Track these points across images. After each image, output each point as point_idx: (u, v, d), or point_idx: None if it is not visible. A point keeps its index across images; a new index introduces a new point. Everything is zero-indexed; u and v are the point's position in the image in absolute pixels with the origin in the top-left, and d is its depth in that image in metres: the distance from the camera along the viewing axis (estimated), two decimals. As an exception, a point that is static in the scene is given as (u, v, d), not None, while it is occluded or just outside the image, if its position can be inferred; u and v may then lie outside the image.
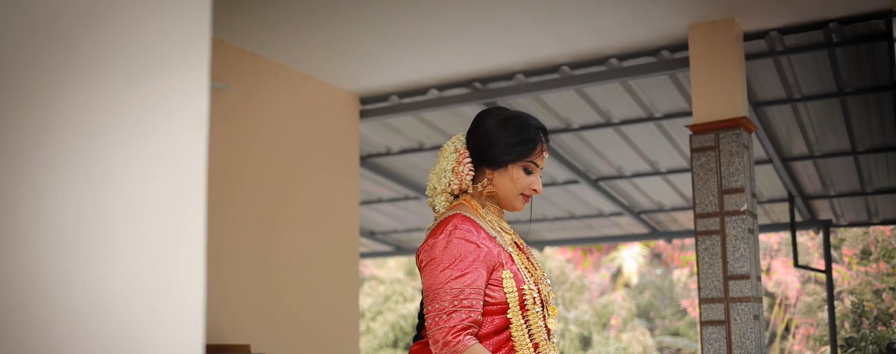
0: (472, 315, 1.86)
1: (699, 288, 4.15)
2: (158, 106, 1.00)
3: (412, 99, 5.19)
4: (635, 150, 6.08)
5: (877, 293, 12.49)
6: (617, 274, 16.55)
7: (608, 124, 5.56)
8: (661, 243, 13.49)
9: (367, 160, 6.29)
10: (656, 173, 6.49)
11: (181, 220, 1.00)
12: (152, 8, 1.01)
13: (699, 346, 4.22)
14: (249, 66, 4.50)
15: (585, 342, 14.48)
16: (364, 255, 9.44)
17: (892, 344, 7.18)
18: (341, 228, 5.08)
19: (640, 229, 7.96)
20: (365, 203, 7.44)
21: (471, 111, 5.43)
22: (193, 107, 1.04)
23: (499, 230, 2.03)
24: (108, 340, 0.91)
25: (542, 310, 2.00)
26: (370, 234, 8.47)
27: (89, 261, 0.92)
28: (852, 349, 8.13)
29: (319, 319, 4.82)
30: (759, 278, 4.18)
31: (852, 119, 5.36)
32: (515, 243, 2.08)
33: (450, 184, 2.04)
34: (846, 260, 14.38)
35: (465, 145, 2.05)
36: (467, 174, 2.02)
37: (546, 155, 2.07)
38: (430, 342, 1.87)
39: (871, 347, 7.88)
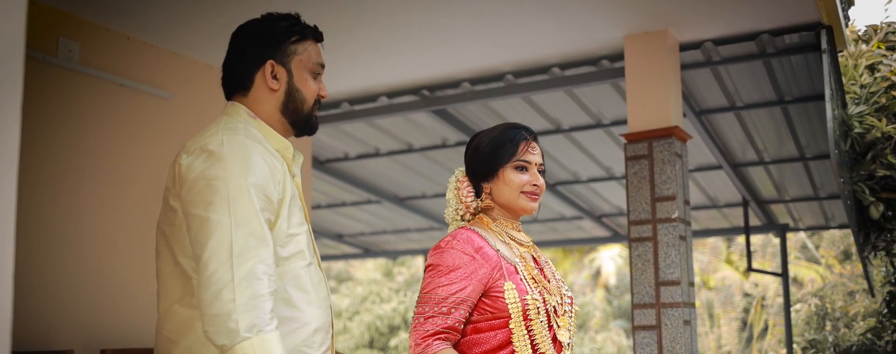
0: (448, 321, 1.93)
1: (632, 294, 4.23)
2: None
3: (363, 106, 5.27)
4: (589, 156, 6.17)
5: (851, 295, 12.56)
6: (596, 274, 16.64)
7: (558, 131, 5.65)
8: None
9: (325, 164, 6.37)
10: (612, 178, 6.59)
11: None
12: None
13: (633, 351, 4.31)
14: (193, 73, 4.56)
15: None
16: (333, 257, 9.53)
17: (839, 346, 7.28)
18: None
19: (603, 232, 8.06)
20: (329, 206, 7.52)
21: (420, 118, 5.52)
22: (3, 128, 1.13)
23: (510, 242, 2.10)
24: None
25: (549, 321, 2.04)
26: (338, 237, 8.55)
27: None
28: (813, 350, 8.25)
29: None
30: (691, 284, 4.27)
31: (796, 126, 5.45)
32: (532, 256, 2.15)
33: (457, 211, 2.15)
34: (823, 261, 14.46)
35: (463, 173, 2.17)
36: (467, 196, 2.13)
37: (535, 150, 2.12)
38: (410, 343, 1.96)
39: (831, 349, 8.00)
